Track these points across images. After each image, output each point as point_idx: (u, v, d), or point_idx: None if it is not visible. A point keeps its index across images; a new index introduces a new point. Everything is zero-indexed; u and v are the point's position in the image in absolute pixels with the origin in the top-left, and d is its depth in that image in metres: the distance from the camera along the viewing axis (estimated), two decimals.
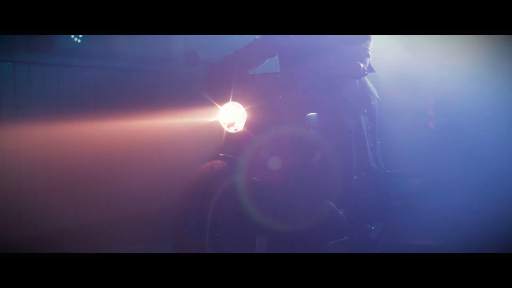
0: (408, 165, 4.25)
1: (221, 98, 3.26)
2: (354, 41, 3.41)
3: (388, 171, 3.98)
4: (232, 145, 3.26)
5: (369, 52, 3.54)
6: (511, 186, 4.72)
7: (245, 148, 3.24)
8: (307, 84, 3.38)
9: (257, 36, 3.70)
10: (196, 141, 4.27)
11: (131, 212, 4.80)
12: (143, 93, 4.95)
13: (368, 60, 3.53)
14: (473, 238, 4.15)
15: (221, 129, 3.26)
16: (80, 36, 4.67)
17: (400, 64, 4.93)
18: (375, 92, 3.77)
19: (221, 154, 3.13)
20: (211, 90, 3.37)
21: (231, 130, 3.23)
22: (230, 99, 3.22)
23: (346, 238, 3.66)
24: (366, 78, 3.69)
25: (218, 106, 3.25)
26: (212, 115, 3.28)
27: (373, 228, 3.93)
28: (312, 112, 3.46)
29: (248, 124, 3.22)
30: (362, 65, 3.27)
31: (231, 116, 3.21)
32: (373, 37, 3.59)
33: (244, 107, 3.21)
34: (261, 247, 3.19)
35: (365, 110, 3.69)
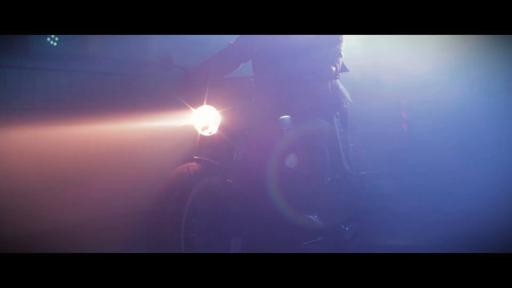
0: (381, 166, 4.31)
1: (196, 101, 3.29)
2: (326, 44, 3.47)
3: (361, 173, 4.04)
4: (206, 147, 3.30)
5: (342, 52, 3.57)
6: (483, 185, 4.79)
7: (219, 151, 3.29)
8: (280, 87, 3.43)
9: (231, 41, 3.74)
10: (170, 144, 4.28)
11: (106, 214, 4.80)
12: (118, 97, 4.96)
13: (341, 60, 3.56)
14: (446, 238, 4.21)
15: (196, 132, 3.29)
16: (56, 39, 4.67)
17: (374, 66, 5.00)
18: (347, 94, 3.83)
19: (195, 157, 3.16)
20: (186, 94, 3.40)
21: (205, 133, 3.27)
22: (204, 103, 3.26)
23: (320, 238, 3.71)
24: (338, 81, 3.74)
25: (193, 109, 3.29)
26: (187, 118, 3.31)
27: (347, 228, 3.98)
28: (285, 115, 3.51)
29: (222, 127, 3.26)
30: (333, 68, 3.33)
31: (205, 119, 3.25)
32: (345, 37, 3.63)
33: (218, 110, 3.25)
34: (235, 247, 3.22)
35: (338, 113, 3.74)
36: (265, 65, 3.59)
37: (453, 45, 4.80)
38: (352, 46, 3.78)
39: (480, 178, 4.81)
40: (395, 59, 5.00)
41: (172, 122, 3.41)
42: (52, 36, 4.63)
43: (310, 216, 3.37)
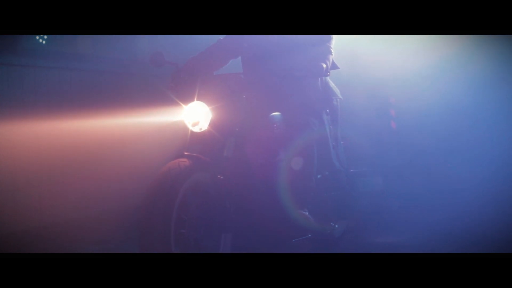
0: (371, 164, 4.33)
1: (186, 97, 3.29)
2: (316, 41, 3.48)
3: (351, 170, 4.05)
4: (197, 144, 3.30)
5: (332, 50, 3.58)
6: (474, 183, 4.82)
7: (209, 147, 3.29)
8: (270, 84, 3.44)
9: (221, 37, 3.74)
10: (161, 140, 4.29)
11: (97, 210, 4.80)
12: (108, 93, 4.95)
13: (331, 58, 3.57)
14: (436, 237, 4.24)
15: (186, 129, 3.29)
16: (45, 37, 4.65)
17: (364, 64, 5.01)
18: (337, 91, 3.84)
19: (186, 153, 3.16)
20: (176, 90, 3.40)
21: (196, 129, 3.26)
22: (195, 99, 3.26)
23: (309, 235, 3.72)
24: (328, 78, 3.75)
25: (183, 105, 3.28)
26: (177, 114, 3.31)
27: (336, 226, 4.00)
28: (275, 111, 3.51)
29: (212, 124, 3.26)
30: (324, 65, 3.33)
31: (195, 115, 3.25)
32: (336, 35, 3.64)
33: (208, 106, 3.25)
34: (225, 243, 3.22)
35: (328, 110, 3.75)
36: (255, 61, 3.59)
37: (442, 43, 4.83)
38: (342, 43, 3.78)
39: (471, 176, 4.84)
40: (385, 56, 5.02)
41: (163, 118, 3.41)
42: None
43: (304, 212, 3.38)
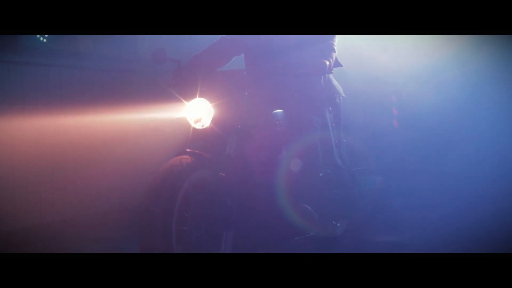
0: (373, 162, 4.32)
1: (188, 94, 3.28)
2: (319, 39, 3.47)
3: (353, 168, 4.04)
4: (199, 141, 3.29)
5: (335, 47, 3.57)
6: (475, 182, 4.82)
7: (212, 144, 3.28)
8: (273, 81, 3.42)
9: (223, 34, 3.73)
10: (163, 137, 4.27)
11: (98, 207, 4.79)
12: (110, 90, 4.94)
13: (334, 55, 3.56)
14: (437, 235, 4.22)
15: (188, 125, 3.28)
16: (46, 35, 4.64)
17: (366, 62, 5.01)
18: (340, 89, 3.83)
19: (188, 150, 3.14)
20: (178, 87, 3.38)
21: (198, 126, 3.25)
22: (197, 96, 3.25)
23: (311, 234, 3.71)
24: (331, 75, 3.75)
25: (185, 102, 3.27)
26: (179, 111, 3.29)
27: (338, 224, 3.98)
28: (278, 108, 3.50)
29: (214, 120, 3.24)
30: (327, 62, 3.32)
31: (198, 112, 3.23)
32: None
33: (210, 103, 3.23)
34: (227, 241, 3.21)
35: (330, 108, 3.74)
36: (257, 58, 3.59)
37: (444, 43, 4.83)
38: (346, 41, 3.78)
39: (473, 175, 4.84)
40: (388, 55, 5.02)
41: (165, 115, 3.39)
42: None
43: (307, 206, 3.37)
